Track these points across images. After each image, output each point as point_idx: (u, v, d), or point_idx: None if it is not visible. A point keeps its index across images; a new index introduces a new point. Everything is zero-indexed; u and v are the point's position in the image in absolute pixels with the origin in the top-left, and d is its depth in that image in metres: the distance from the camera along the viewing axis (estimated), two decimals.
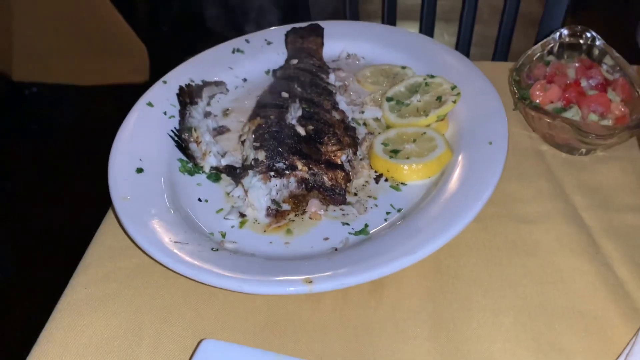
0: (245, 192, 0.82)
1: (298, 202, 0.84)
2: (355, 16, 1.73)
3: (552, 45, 1.12)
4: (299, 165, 0.84)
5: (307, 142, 0.88)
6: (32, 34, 2.79)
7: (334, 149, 0.88)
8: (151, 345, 0.67)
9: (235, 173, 0.87)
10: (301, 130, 0.90)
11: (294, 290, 0.65)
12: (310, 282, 0.65)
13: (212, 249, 0.73)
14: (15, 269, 1.07)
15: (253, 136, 0.89)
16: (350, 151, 0.90)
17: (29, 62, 2.91)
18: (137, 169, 0.85)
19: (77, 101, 3.13)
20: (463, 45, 1.75)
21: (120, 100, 0.98)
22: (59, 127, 2.91)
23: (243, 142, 0.92)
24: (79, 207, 1.28)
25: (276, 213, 0.82)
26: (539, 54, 1.11)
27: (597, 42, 1.10)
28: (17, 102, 3.10)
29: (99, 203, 0.90)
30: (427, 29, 1.74)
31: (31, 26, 2.76)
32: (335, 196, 0.83)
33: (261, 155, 0.85)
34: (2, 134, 2.81)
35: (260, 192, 0.81)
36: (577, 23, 1.11)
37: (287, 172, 0.83)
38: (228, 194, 0.86)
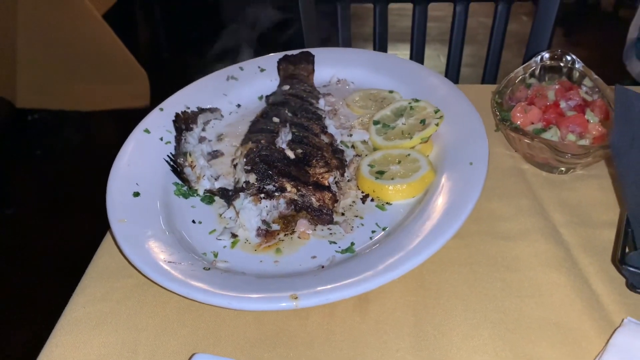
0: (237, 213, 0.86)
1: (287, 223, 0.88)
2: (347, 40, 1.79)
3: (533, 68, 1.17)
4: (288, 187, 0.88)
5: (296, 165, 0.92)
6: (35, 62, 2.87)
7: (321, 171, 0.92)
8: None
9: (228, 195, 0.91)
10: (290, 154, 0.94)
11: (280, 307, 0.69)
12: (296, 298, 0.69)
13: (204, 268, 0.77)
14: (17, 289, 1.11)
15: (244, 160, 0.93)
16: (338, 173, 0.94)
17: (32, 89, 2.98)
18: (134, 192, 0.89)
19: (80, 127, 3.20)
20: (453, 67, 1.80)
21: (122, 125, 1.02)
22: (61, 152, 2.97)
23: (235, 166, 0.97)
24: (80, 229, 1.32)
25: (266, 233, 0.86)
26: (521, 77, 1.16)
27: (577, 65, 1.15)
28: (21, 128, 3.16)
29: (98, 226, 0.94)
30: (418, 52, 1.80)
31: (35, 54, 2.84)
32: (322, 216, 0.87)
33: (252, 178, 0.89)
34: (7, 159, 2.87)
35: (251, 214, 0.85)
36: (570, 44, 1.16)
37: (276, 193, 0.87)
38: (220, 215, 0.90)
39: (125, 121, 1.03)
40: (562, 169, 1.00)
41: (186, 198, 0.94)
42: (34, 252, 1.12)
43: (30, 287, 1.12)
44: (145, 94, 3.00)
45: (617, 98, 0.75)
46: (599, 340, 0.70)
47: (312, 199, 0.88)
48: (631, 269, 0.68)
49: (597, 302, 0.76)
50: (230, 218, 0.88)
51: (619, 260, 0.70)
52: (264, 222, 0.87)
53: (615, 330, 0.69)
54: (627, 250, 0.75)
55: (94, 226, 0.97)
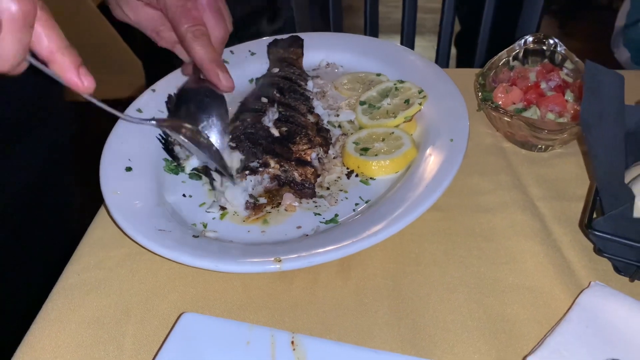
0: (222, 193, 0.89)
1: (272, 197, 0.92)
2: (339, 30, 1.82)
3: (517, 51, 1.20)
4: (272, 163, 0.91)
5: (280, 143, 0.95)
6: None
7: (304, 147, 0.95)
8: (138, 322, 0.75)
9: (209, 173, 0.93)
10: (275, 132, 0.97)
11: (264, 269, 0.72)
12: (280, 261, 0.72)
13: (193, 236, 0.80)
14: (16, 260, 1.15)
15: (229, 137, 0.96)
16: (321, 150, 0.97)
17: None
18: (127, 167, 0.93)
19: (75, 116, 3.22)
20: (442, 54, 1.83)
21: (116, 116, 1.05)
22: (57, 141, 2.99)
23: None
24: (74, 210, 1.36)
25: (254, 206, 0.89)
26: (504, 60, 1.19)
27: (559, 48, 1.18)
28: None
29: (91, 207, 0.97)
30: (408, 43, 1.83)
31: None
32: (305, 190, 0.90)
33: (236, 156, 0.92)
34: None
35: (236, 192, 0.88)
36: (564, 35, 1.19)
37: (260, 169, 0.91)
38: (210, 190, 0.93)
39: (120, 111, 1.05)
40: (542, 146, 1.03)
41: (176, 174, 0.97)
42: (31, 226, 1.17)
43: (28, 257, 1.17)
44: (141, 84, 3.02)
45: (587, 73, 0.78)
46: (567, 302, 0.74)
47: (295, 174, 0.91)
48: (597, 233, 0.72)
49: (568, 268, 0.80)
50: (219, 191, 0.92)
51: (586, 225, 0.74)
52: (251, 196, 0.90)
53: (581, 291, 0.73)
54: (594, 216, 0.78)
55: (87, 210, 1.00)
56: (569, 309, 0.71)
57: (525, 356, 0.64)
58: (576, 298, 0.72)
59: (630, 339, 0.64)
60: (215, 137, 0.92)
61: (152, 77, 1.17)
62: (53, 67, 0.63)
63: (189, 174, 0.97)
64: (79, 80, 0.64)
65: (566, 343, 0.64)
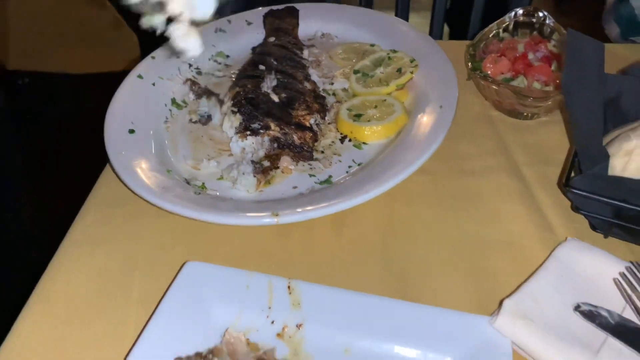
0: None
1: (273, 160, 0.96)
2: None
3: (507, 23, 1.23)
4: (272, 125, 0.95)
5: (280, 108, 0.99)
6: (27, 25, 2.88)
7: (303, 113, 1.00)
8: (144, 272, 0.79)
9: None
10: (275, 98, 1.01)
11: (264, 222, 0.77)
12: (277, 215, 0.77)
13: (195, 193, 0.85)
14: (23, 221, 1.19)
15: (231, 102, 1.00)
16: (319, 116, 1.02)
17: (24, 52, 3.00)
18: (130, 130, 0.97)
19: (71, 89, 3.22)
20: (436, 33, 1.86)
21: (112, 87, 1.08)
22: (52, 115, 3.00)
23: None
24: (69, 186, 1.39)
25: (262, 170, 0.92)
26: (494, 31, 1.23)
27: (548, 21, 1.21)
28: (12, 92, 3.18)
29: (89, 182, 1.00)
30: (402, 17, 1.84)
31: (26, 17, 2.85)
32: (303, 153, 0.95)
33: (237, 119, 0.96)
34: None
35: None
36: (559, 13, 1.22)
37: (261, 131, 0.95)
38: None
39: (115, 85, 1.08)
40: (527, 114, 1.08)
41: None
42: (33, 197, 1.21)
43: (34, 218, 1.21)
44: (136, 58, 3.02)
45: (569, 42, 0.82)
46: (545, 256, 0.78)
47: (294, 137, 0.95)
48: (575, 190, 0.77)
49: (547, 226, 0.84)
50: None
51: (564, 184, 0.79)
52: (252, 162, 0.94)
53: (557, 245, 0.78)
54: (572, 175, 0.83)
55: (85, 182, 1.03)
56: (545, 260, 0.76)
57: (502, 300, 0.70)
58: (552, 251, 0.77)
59: (600, 286, 0.69)
60: None
61: (148, 51, 1.20)
62: None
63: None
64: None
65: (540, 289, 0.69)
